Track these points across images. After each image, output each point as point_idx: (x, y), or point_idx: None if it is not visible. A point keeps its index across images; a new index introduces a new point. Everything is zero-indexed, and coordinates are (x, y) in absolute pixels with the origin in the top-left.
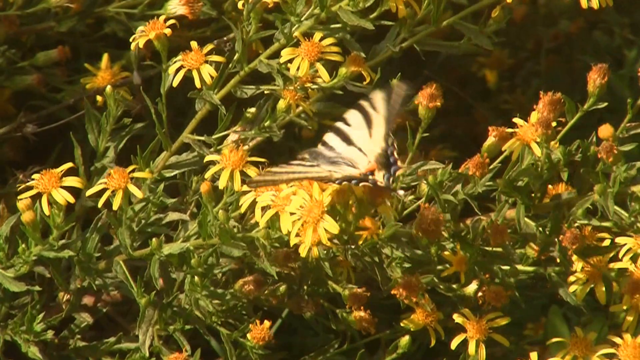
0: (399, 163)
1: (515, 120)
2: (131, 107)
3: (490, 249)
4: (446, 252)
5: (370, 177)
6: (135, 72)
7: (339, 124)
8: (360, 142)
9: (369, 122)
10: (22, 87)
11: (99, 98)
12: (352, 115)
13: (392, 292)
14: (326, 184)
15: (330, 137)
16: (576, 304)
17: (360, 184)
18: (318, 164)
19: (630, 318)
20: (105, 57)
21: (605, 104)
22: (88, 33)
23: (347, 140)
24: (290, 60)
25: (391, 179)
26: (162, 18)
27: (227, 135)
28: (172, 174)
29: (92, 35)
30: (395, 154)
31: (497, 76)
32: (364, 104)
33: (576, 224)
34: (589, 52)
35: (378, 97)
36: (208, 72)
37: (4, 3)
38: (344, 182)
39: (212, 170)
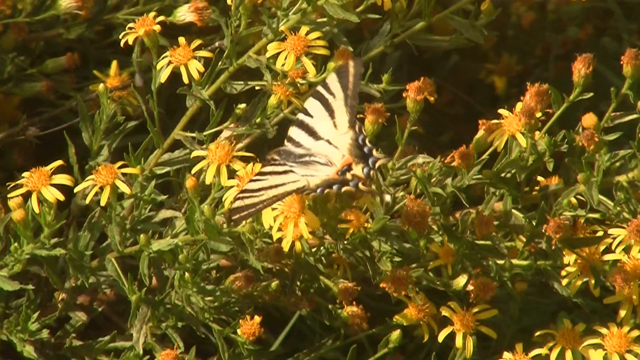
0: (374, 152)
1: (501, 111)
2: (136, 109)
3: (479, 241)
4: (433, 245)
5: (348, 174)
6: (137, 74)
7: (301, 116)
8: (327, 134)
9: (330, 110)
10: (31, 94)
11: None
12: (312, 103)
13: (381, 285)
14: (308, 195)
15: (295, 132)
16: (569, 295)
17: (343, 189)
18: (291, 169)
19: (623, 311)
20: (114, 64)
21: (591, 94)
22: (97, 40)
23: (313, 134)
24: (277, 55)
25: (371, 172)
26: (151, 15)
27: (220, 131)
28: (164, 171)
29: (101, 42)
30: (367, 141)
31: (506, 83)
32: (321, 90)
33: (563, 215)
34: (598, 59)
35: (334, 80)
36: (195, 67)
37: (13, 10)
38: (327, 190)
39: (199, 165)
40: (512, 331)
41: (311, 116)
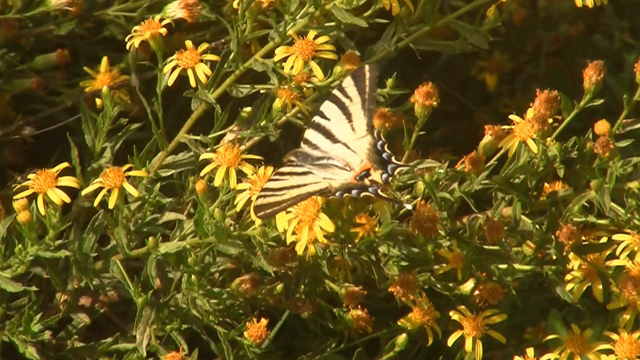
0: (393, 159)
1: (512, 117)
2: (129, 108)
3: (487, 246)
4: (442, 250)
5: (367, 180)
6: (133, 73)
7: (317, 119)
8: (345, 138)
9: (347, 114)
10: (22, 90)
11: (98, 100)
12: (328, 107)
13: (390, 289)
14: (327, 197)
15: (311, 134)
16: (573, 302)
17: (362, 195)
18: (310, 171)
19: (627, 316)
20: (104, 60)
21: (601, 100)
22: (87, 36)
23: (330, 136)
24: (285, 59)
25: (390, 179)
26: (157, 17)
27: (224, 134)
28: (169, 174)
29: (91, 38)
30: (386, 147)
31: (497, 80)
32: (338, 93)
33: (572, 221)
34: (589, 56)
35: (350, 84)
36: (203, 71)
37: (3, 6)
38: (345, 195)
39: (207, 168)
40: (504, 328)
41: (328, 119)
